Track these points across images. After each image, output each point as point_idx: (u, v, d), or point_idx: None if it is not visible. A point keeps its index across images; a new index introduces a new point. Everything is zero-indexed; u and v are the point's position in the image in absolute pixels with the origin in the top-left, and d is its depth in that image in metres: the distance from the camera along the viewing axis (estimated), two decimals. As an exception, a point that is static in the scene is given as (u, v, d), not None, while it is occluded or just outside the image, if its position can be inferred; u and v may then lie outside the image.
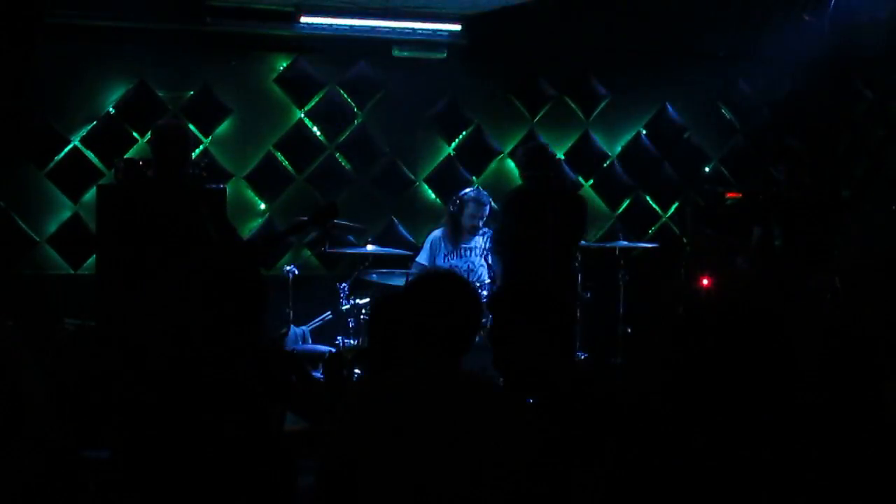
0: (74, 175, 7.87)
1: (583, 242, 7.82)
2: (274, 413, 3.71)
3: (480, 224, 7.55)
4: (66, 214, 7.91)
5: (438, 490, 2.91)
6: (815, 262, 7.00)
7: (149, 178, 6.06)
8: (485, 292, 6.88)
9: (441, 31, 8.31)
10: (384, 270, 7.63)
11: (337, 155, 8.53)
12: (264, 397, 3.66)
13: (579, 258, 7.62)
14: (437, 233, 7.79)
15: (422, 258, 7.70)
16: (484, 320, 4.83)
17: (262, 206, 8.34)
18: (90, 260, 7.77)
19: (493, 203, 7.70)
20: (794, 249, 7.08)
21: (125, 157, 7.64)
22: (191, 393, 3.57)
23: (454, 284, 3.24)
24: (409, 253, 7.89)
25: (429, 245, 7.75)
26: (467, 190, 7.70)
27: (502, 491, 2.93)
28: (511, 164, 8.65)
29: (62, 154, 7.87)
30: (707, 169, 9.45)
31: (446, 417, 2.98)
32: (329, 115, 8.48)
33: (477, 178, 8.76)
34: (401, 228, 8.64)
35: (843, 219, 7.19)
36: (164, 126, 5.98)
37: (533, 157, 6.89)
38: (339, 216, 6.25)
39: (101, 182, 7.71)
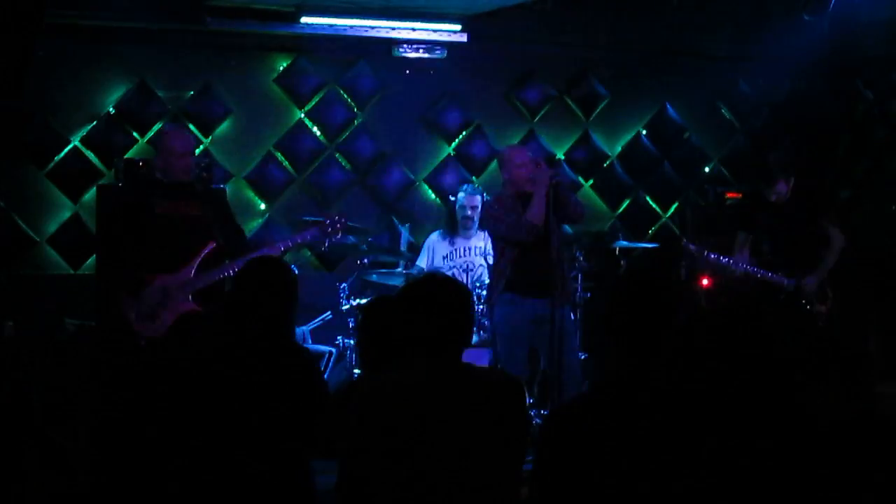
0: (74, 175, 7.87)
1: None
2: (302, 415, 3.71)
3: (473, 216, 7.54)
4: (66, 214, 7.90)
5: (452, 480, 2.99)
6: (804, 265, 6.91)
7: (156, 180, 6.12)
8: (484, 292, 6.87)
9: (441, 31, 8.31)
10: (384, 270, 7.63)
11: (337, 155, 8.53)
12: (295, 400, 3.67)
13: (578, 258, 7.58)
14: (434, 235, 7.81)
15: (421, 260, 7.71)
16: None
17: (262, 207, 8.34)
18: (90, 260, 7.77)
19: (486, 197, 7.67)
20: (783, 253, 6.99)
21: (125, 157, 7.65)
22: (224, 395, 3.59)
23: (445, 286, 3.30)
24: (408, 253, 7.90)
25: (427, 247, 7.76)
26: (461, 187, 7.76)
27: (505, 474, 3.06)
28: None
29: (62, 154, 7.86)
30: (707, 169, 9.45)
31: (455, 411, 3.04)
32: (329, 115, 8.49)
33: (477, 178, 8.76)
34: (401, 228, 8.63)
35: (832, 220, 7.08)
36: (172, 133, 6.19)
37: (504, 162, 6.76)
38: None
39: (101, 182, 7.71)
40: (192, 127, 7.98)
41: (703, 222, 8.68)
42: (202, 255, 5.88)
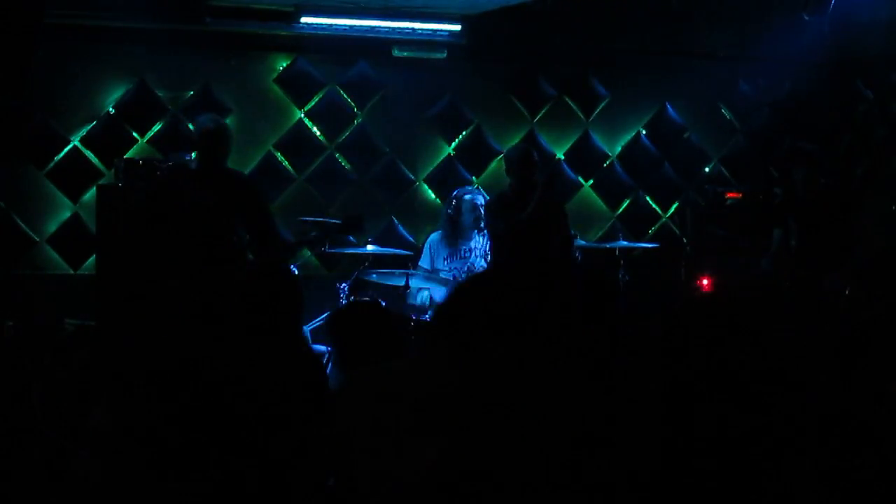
0: (74, 175, 7.88)
1: (582, 242, 7.82)
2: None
3: (477, 223, 7.53)
4: (66, 214, 7.91)
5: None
6: (831, 260, 6.95)
7: (191, 171, 6.14)
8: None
9: (441, 31, 8.31)
10: (384, 270, 7.62)
11: (337, 155, 8.53)
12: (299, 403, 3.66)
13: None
14: (434, 235, 7.77)
15: (423, 262, 7.68)
16: None
17: (262, 206, 8.34)
18: (90, 260, 7.77)
19: (486, 197, 7.65)
20: (811, 249, 7.04)
21: (125, 157, 7.65)
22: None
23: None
24: (408, 253, 7.88)
25: (427, 248, 7.73)
26: (463, 189, 7.71)
27: None
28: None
29: (62, 154, 7.87)
30: (707, 169, 9.45)
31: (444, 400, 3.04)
32: (329, 115, 8.49)
33: (477, 178, 8.76)
34: (401, 228, 8.64)
35: (858, 216, 7.17)
36: (214, 128, 6.21)
37: (510, 163, 6.92)
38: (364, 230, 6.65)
39: (101, 182, 7.72)
40: (191, 127, 7.97)
41: (710, 221, 8.67)
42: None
